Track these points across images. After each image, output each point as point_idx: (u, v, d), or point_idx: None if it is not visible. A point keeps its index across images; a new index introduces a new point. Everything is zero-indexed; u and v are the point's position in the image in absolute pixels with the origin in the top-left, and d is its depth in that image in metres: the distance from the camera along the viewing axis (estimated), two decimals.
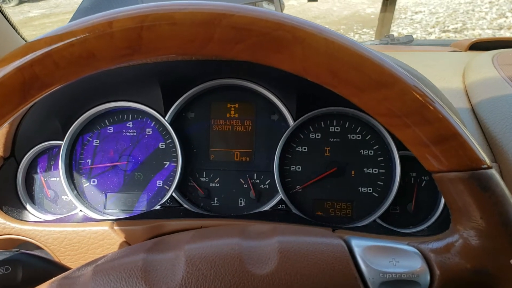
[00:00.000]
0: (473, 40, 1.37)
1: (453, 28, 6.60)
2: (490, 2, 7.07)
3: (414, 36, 1.98)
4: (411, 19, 7.04)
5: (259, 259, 0.45)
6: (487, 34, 6.26)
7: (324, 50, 0.46)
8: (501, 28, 6.36)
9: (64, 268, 0.71)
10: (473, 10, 6.97)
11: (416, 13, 7.25)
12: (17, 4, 9.20)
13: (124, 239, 0.76)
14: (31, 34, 6.67)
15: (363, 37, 6.23)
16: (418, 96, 0.46)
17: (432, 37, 6.36)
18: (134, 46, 0.46)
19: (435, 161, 0.47)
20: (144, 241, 0.54)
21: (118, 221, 0.78)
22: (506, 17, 6.50)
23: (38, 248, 0.80)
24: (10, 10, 8.52)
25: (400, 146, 0.84)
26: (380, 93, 0.47)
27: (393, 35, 1.62)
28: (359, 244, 0.47)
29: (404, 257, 0.46)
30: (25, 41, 1.16)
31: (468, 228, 0.47)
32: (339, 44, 0.46)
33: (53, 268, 0.68)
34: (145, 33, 0.45)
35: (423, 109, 0.46)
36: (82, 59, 0.46)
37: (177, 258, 0.45)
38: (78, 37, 0.45)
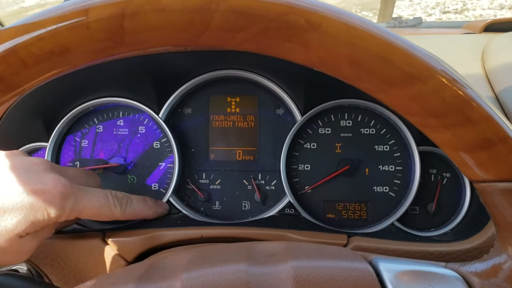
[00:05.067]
0: (488, 21, 1.29)
1: (453, 9, 6.51)
2: None
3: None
4: (411, 0, 6.92)
5: None
6: (488, 14, 6.17)
7: (345, 38, 0.38)
8: (502, 8, 6.28)
9: None
10: None
11: None
12: None
13: (117, 252, 0.69)
14: None
15: None
16: (459, 91, 0.38)
17: (433, 18, 6.28)
18: (115, 38, 0.38)
19: (479, 169, 0.39)
20: (135, 265, 0.46)
21: (110, 231, 0.70)
22: None
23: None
24: (4, 0, 8.36)
25: (419, 140, 0.76)
26: (413, 88, 0.39)
27: (400, 17, 1.53)
28: (388, 269, 0.40)
29: (444, 284, 0.39)
30: None
31: None
32: (362, 30, 0.38)
33: None
34: (127, 22, 0.37)
35: (466, 107, 0.38)
36: (54, 56, 0.38)
37: None
38: (47, 29, 0.37)
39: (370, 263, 0.40)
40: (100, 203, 0.62)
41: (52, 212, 0.56)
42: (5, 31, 0.38)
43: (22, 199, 0.54)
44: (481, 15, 6.16)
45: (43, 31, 0.37)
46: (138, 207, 0.68)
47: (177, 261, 0.43)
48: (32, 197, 0.54)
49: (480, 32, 1.29)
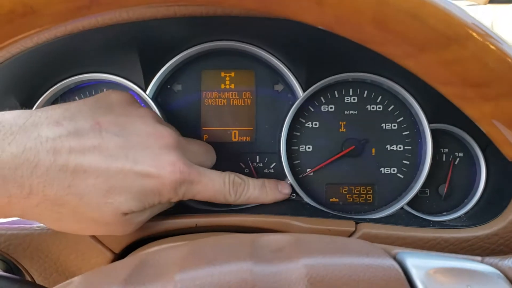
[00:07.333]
0: None
1: None
2: None
3: None
4: None
5: None
6: None
7: None
8: None
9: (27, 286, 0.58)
10: None
11: None
12: None
13: (102, 243, 0.63)
14: None
15: None
16: (504, 55, 0.32)
17: None
18: None
19: None
20: (121, 262, 0.40)
21: None
22: None
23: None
24: None
25: (431, 118, 0.71)
26: (448, 52, 0.32)
27: None
28: (417, 265, 0.34)
29: (483, 282, 0.33)
30: None
31: None
32: None
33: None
34: None
35: None
36: (17, 17, 0.31)
37: None
38: None
39: (395, 259, 0.35)
40: (215, 190, 0.60)
41: (164, 197, 0.55)
42: None
43: (132, 181, 0.51)
44: None
45: None
46: (253, 194, 0.65)
47: (170, 258, 0.37)
48: (143, 181, 0.52)
49: (485, 4, 1.24)
